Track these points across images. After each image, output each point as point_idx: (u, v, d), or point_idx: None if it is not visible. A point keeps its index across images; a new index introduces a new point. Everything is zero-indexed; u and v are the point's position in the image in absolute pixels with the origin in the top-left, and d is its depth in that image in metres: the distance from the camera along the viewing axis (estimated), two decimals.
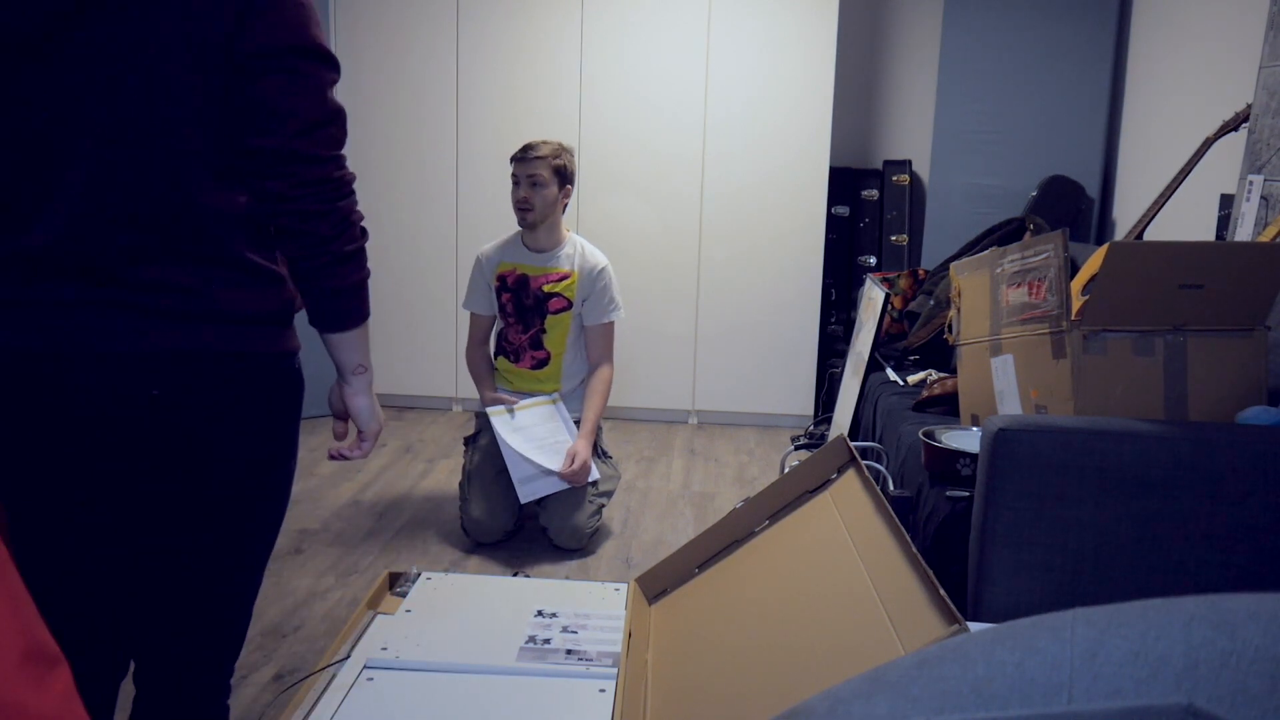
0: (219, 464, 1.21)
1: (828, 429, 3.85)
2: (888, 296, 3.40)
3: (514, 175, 2.95)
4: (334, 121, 1.17)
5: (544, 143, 2.95)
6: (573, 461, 2.87)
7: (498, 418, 2.96)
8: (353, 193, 1.21)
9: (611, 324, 3.06)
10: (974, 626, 0.93)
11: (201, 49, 1.11)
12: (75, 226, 1.13)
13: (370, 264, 1.26)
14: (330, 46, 1.19)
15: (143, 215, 1.14)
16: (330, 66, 1.17)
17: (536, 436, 2.95)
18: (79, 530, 1.22)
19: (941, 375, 3.06)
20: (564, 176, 2.94)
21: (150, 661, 1.28)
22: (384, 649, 1.35)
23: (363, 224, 1.24)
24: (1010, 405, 2.20)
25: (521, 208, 2.94)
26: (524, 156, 2.92)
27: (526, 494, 2.87)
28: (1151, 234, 3.12)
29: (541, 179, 2.91)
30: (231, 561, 1.27)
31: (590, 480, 2.93)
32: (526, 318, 3.02)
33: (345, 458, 1.36)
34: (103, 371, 1.15)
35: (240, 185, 1.18)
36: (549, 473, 2.88)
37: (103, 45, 1.10)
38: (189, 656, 1.28)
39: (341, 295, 1.22)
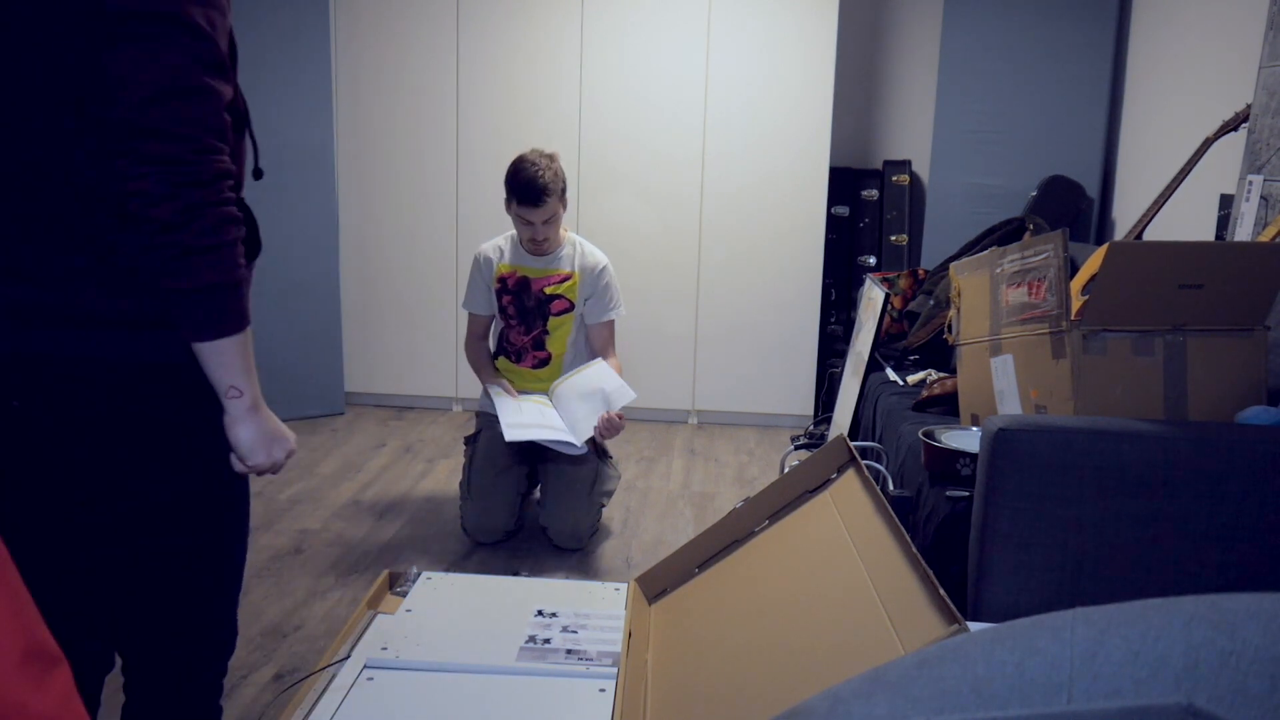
0: (93, 481, 1.17)
1: (828, 429, 3.85)
2: (888, 296, 3.40)
3: (521, 218, 2.85)
4: (193, 97, 1.05)
5: (537, 171, 2.78)
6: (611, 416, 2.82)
7: (499, 398, 2.93)
8: (214, 183, 1.07)
9: (613, 322, 3.06)
10: (974, 626, 0.93)
11: (66, 11, 1.04)
12: None
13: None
14: (200, 30, 1.06)
15: (22, 195, 1.08)
16: (198, 39, 1.05)
17: (541, 416, 2.92)
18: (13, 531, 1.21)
19: (941, 375, 3.06)
20: (565, 193, 2.90)
21: (132, 664, 1.29)
22: (384, 649, 1.35)
23: (233, 223, 1.10)
24: (1010, 405, 2.20)
25: (538, 244, 2.91)
26: (535, 202, 2.79)
27: (512, 435, 2.78)
28: (1151, 234, 3.12)
29: (555, 215, 2.86)
30: (168, 575, 1.24)
31: (591, 441, 2.87)
32: (528, 319, 3.02)
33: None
34: None
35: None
36: (544, 427, 2.83)
37: None
38: (158, 660, 1.28)
39: (192, 297, 1.08)
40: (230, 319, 1.11)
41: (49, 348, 1.12)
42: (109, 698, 2.03)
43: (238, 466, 1.21)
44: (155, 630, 1.27)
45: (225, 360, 1.12)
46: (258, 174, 1.29)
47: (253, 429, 1.17)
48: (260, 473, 1.21)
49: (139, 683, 1.29)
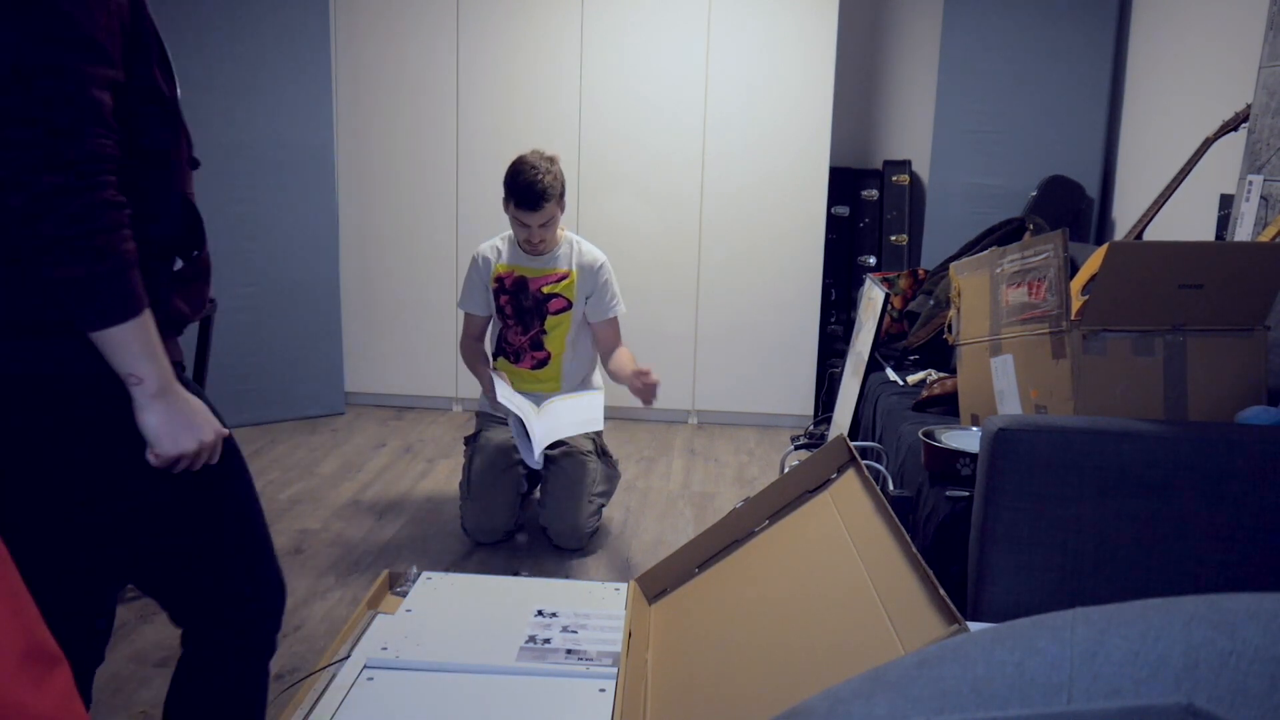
0: (93, 481, 1.17)
1: (828, 429, 3.85)
2: (888, 296, 3.40)
3: (518, 219, 2.84)
4: (47, 77, 1.00)
5: (536, 175, 2.76)
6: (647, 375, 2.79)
7: (499, 382, 2.93)
8: (78, 166, 1.02)
9: (616, 319, 3.06)
10: (974, 626, 0.93)
11: None
12: None
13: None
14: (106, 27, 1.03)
15: None
16: (54, 17, 1.00)
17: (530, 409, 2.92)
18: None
19: (941, 375, 3.06)
20: (563, 196, 2.89)
21: (187, 629, 1.33)
22: (384, 649, 1.35)
23: (108, 208, 1.05)
24: (1010, 405, 2.20)
25: (534, 245, 2.91)
26: (533, 206, 2.78)
27: (504, 401, 2.80)
28: (1151, 234, 3.12)
29: (553, 218, 2.86)
30: (170, 574, 1.26)
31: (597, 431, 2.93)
32: (526, 319, 3.02)
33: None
34: None
35: None
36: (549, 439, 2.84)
37: None
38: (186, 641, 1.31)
39: (68, 288, 1.04)
40: (115, 307, 1.06)
41: (54, 362, 1.12)
42: (111, 696, 2.04)
43: (149, 458, 1.14)
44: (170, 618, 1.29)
45: (120, 347, 1.08)
46: (194, 164, 1.27)
47: (158, 416, 1.11)
48: (173, 464, 1.15)
49: (183, 651, 1.33)
